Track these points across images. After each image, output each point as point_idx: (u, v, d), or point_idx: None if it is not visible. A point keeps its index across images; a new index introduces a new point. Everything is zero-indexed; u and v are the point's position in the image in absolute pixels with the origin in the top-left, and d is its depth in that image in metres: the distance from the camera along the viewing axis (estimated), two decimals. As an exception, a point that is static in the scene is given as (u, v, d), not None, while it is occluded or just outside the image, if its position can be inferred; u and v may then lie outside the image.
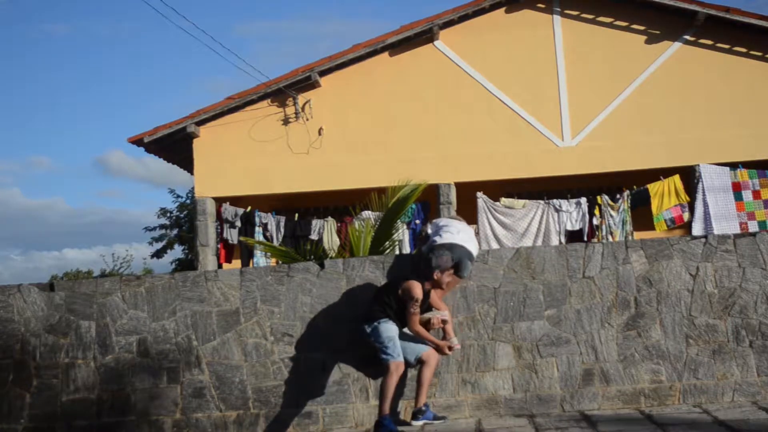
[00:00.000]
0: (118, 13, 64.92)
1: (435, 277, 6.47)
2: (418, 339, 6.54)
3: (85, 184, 71.20)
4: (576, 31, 13.35)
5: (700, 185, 12.71)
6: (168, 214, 23.97)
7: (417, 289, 6.40)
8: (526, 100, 13.22)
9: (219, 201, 13.48)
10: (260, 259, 12.94)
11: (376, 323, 6.49)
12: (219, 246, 13.46)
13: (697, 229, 12.56)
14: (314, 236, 12.98)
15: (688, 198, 12.79)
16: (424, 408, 6.48)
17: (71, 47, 69.35)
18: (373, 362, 6.85)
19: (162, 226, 23.84)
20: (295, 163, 13.26)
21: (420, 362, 6.56)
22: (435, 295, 6.67)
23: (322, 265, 7.11)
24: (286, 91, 13.27)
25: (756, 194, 12.65)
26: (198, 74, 69.06)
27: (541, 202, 13.04)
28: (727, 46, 13.10)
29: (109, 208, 66.08)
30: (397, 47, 13.41)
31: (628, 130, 13.01)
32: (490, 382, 6.84)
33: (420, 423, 6.41)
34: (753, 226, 12.49)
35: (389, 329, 6.47)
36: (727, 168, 12.76)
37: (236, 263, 13.37)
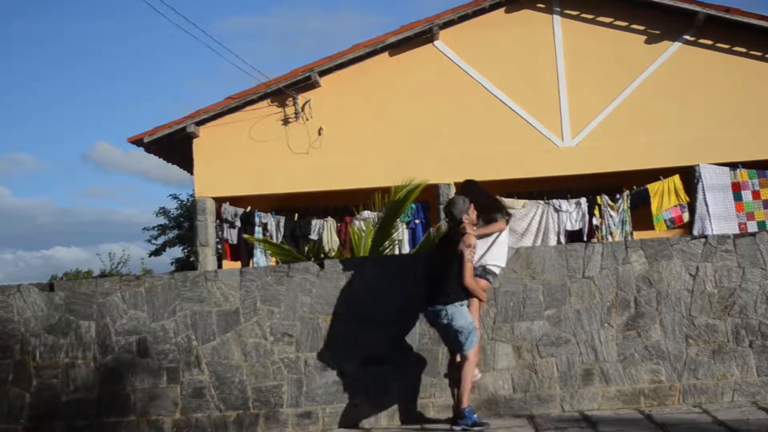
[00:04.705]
0: (105, 10, 64.65)
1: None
2: None
3: (73, 181, 70.94)
4: (576, 31, 13.35)
5: (700, 185, 12.71)
6: (167, 213, 23.97)
7: (472, 237, 6.32)
8: (526, 100, 13.22)
9: (219, 201, 13.49)
10: (260, 258, 12.95)
11: (458, 305, 6.26)
12: (224, 245, 13.50)
13: (697, 229, 12.57)
14: (314, 236, 12.98)
15: (687, 198, 12.79)
16: (466, 411, 6.24)
17: (48, 45, 68.99)
18: (374, 362, 6.87)
19: (161, 226, 23.85)
20: (295, 163, 13.27)
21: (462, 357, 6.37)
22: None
23: (322, 265, 7.11)
24: (286, 91, 13.27)
25: (756, 194, 12.66)
26: (186, 72, 68.94)
27: (541, 202, 13.04)
28: (727, 46, 13.10)
29: (99, 207, 65.99)
30: (397, 47, 13.41)
31: (628, 130, 13.01)
32: (490, 382, 6.83)
33: (459, 428, 6.20)
34: (752, 227, 12.49)
35: (469, 314, 6.31)
36: (727, 168, 12.76)
37: (237, 263, 13.37)
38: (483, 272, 6.51)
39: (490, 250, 6.60)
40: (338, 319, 6.96)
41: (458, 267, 6.24)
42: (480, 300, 6.44)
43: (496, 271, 6.66)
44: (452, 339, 6.34)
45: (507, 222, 6.74)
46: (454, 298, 6.27)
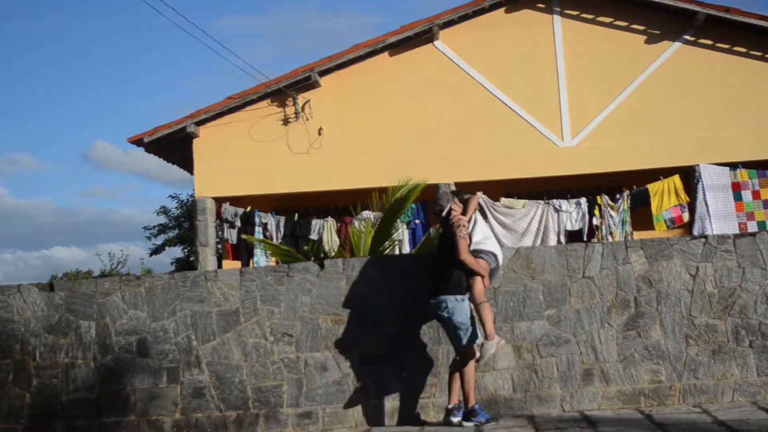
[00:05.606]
0: (105, 10, 64.53)
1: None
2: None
3: (73, 181, 70.85)
4: (576, 31, 13.34)
5: (699, 185, 12.71)
6: (167, 213, 23.94)
7: (463, 218, 6.49)
8: (526, 100, 13.22)
9: (219, 201, 13.49)
10: (260, 258, 12.95)
11: (459, 298, 6.33)
12: (225, 245, 13.50)
13: (697, 229, 12.57)
14: (314, 236, 12.98)
15: (687, 198, 12.79)
16: (476, 408, 6.37)
17: (48, 45, 68.88)
18: (374, 362, 6.87)
19: (161, 225, 23.82)
20: (295, 163, 13.26)
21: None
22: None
23: (322, 265, 7.11)
24: (286, 91, 13.27)
25: (756, 194, 12.66)
26: (186, 72, 68.87)
27: (541, 202, 13.04)
28: (727, 46, 13.10)
29: (99, 207, 65.93)
30: (397, 47, 13.41)
31: (628, 130, 13.01)
32: (490, 382, 6.84)
33: (471, 425, 6.29)
34: (752, 227, 12.49)
35: (470, 312, 6.35)
36: (727, 168, 12.76)
37: (237, 263, 13.37)
38: (476, 254, 6.48)
39: (473, 236, 6.60)
40: (338, 319, 6.96)
41: (454, 248, 6.32)
42: (481, 276, 6.39)
43: (489, 249, 6.58)
44: (451, 334, 6.38)
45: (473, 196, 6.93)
46: (455, 290, 6.32)
